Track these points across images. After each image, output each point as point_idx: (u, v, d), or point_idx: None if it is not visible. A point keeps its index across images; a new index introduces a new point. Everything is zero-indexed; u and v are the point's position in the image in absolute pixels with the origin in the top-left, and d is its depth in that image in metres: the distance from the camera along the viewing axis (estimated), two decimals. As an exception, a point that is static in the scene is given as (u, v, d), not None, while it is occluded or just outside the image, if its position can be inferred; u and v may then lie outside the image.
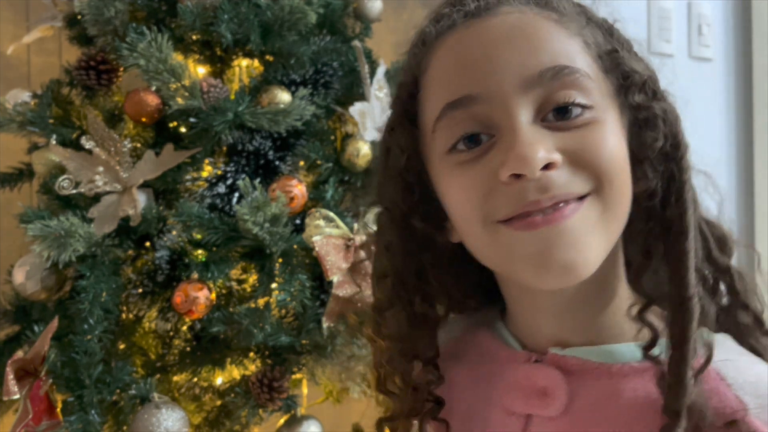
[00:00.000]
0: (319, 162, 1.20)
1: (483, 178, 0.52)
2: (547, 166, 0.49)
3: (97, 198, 1.13)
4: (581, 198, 0.51)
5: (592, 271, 0.51)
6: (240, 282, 1.17)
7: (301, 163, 1.21)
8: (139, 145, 1.17)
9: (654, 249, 0.57)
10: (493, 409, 0.61)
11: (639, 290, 0.58)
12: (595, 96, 0.52)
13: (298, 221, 1.15)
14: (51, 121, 1.19)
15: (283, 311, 1.12)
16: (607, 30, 0.58)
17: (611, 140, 0.52)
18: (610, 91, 0.55)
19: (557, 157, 0.50)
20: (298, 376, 1.14)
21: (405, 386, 0.63)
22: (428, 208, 0.60)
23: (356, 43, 1.26)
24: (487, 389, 0.62)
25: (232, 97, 1.16)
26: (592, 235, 0.51)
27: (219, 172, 1.17)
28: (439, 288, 0.65)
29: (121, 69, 1.20)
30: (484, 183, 0.52)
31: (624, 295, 0.58)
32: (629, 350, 0.56)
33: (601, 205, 0.51)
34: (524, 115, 0.51)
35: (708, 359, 0.51)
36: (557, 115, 0.51)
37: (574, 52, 0.53)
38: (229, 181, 1.16)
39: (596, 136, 0.51)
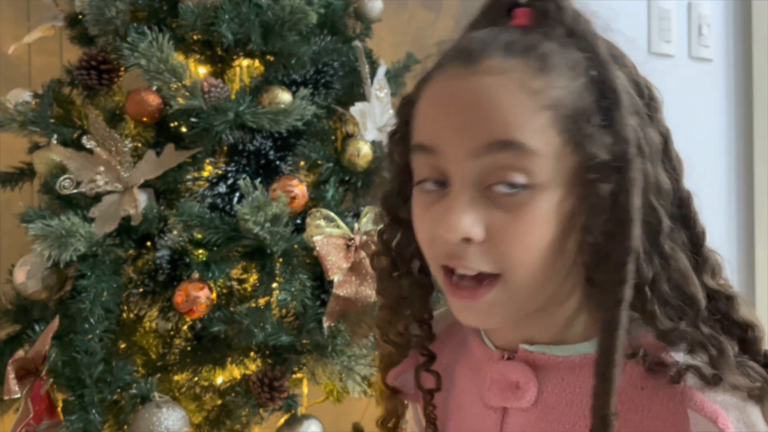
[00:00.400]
0: (319, 162, 1.20)
1: (431, 226, 0.58)
2: (469, 239, 0.55)
3: (98, 198, 1.13)
4: (497, 275, 0.57)
5: (503, 324, 0.61)
6: (241, 282, 1.17)
7: (302, 163, 1.21)
8: (140, 144, 1.17)
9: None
10: (473, 402, 0.67)
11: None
12: (543, 175, 0.55)
13: (298, 221, 1.16)
14: (52, 120, 1.20)
15: (284, 311, 1.12)
16: (603, 92, 0.57)
17: (536, 228, 0.55)
18: (568, 167, 0.56)
19: (476, 233, 0.55)
20: (298, 375, 1.14)
21: (402, 338, 0.70)
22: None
23: (357, 43, 1.26)
24: (467, 382, 0.68)
25: (233, 97, 1.16)
26: (499, 311, 0.58)
27: (220, 172, 1.18)
28: None
29: (122, 69, 1.20)
30: (431, 230, 0.59)
31: (580, 311, 0.62)
32: (588, 347, 0.61)
33: (509, 289, 0.57)
34: (469, 180, 0.56)
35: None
36: (503, 187, 0.55)
37: (533, 127, 0.54)
38: (229, 181, 1.16)
39: (522, 222, 0.55)
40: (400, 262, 0.68)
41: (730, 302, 0.61)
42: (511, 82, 0.55)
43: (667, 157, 0.61)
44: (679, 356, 0.58)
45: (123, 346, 1.13)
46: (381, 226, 0.69)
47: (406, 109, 0.64)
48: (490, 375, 0.65)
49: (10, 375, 1.01)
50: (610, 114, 0.56)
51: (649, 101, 0.60)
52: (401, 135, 0.65)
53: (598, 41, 0.58)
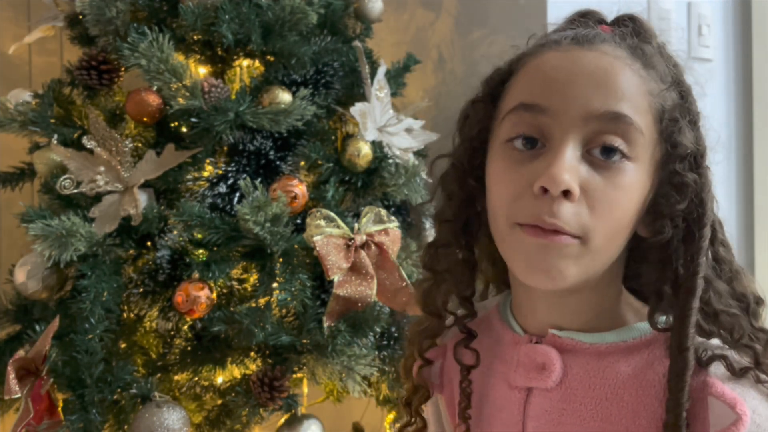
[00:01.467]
0: (319, 162, 1.20)
1: (520, 183, 0.61)
2: (567, 193, 0.58)
3: (98, 197, 1.13)
4: (575, 237, 0.60)
5: (567, 285, 0.62)
6: (241, 281, 1.17)
7: (302, 163, 1.21)
8: (140, 144, 1.17)
9: (664, 293, 0.64)
10: (498, 383, 0.71)
11: (652, 324, 0.64)
12: (639, 151, 0.60)
13: (298, 221, 1.16)
14: (52, 120, 1.20)
15: (284, 311, 1.12)
16: (684, 97, 0.65)
17: (626, 197, 0.60)
18: (655, 152, 0.62)
19: (576, 188, 0.58)
20: (298, 375, 1.14)
21: (441, 309, 0.74)
22: (481, 174, 0.69)
23: (357, 43, 1.26)
24: (494, 366, 0.72)
25: (233, 97, 1.16)
26: (571, 263, 0.61)
27: (220, 172, 1.18)
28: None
29: (123, 69, 1.20)
30: (519, 187, 0.61)
31: (614, 301, 0.68)
32: (615, 336, 0.65)
33: (583, 251, 0.60)
34: (574, 140, 0.59)
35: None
36: (601, 152, 0.60)
37: (639, 108, 0.60)
38: (230, 181, 1.16)
39: (614, 187, 0.59)
40: (459, 234, 0.71)
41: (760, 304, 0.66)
42: (625, 65, 0.61)
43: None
44: (714, 341, 0.62)
45: (123, 345, 1.13)
46: (439, 202, 0.73)
47: (498, 78, 0.68)
48: (517, 357, 0.68)
49: (11, 375, 1.01)
50: (693, 119, 0.64)
51: (696, 115, 0.66)
52: (485, 103, 0.69)
53: (678, 63, 0.66)
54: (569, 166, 0.58)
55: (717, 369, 0.60)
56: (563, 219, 0.59)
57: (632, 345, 0.64)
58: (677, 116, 0.62)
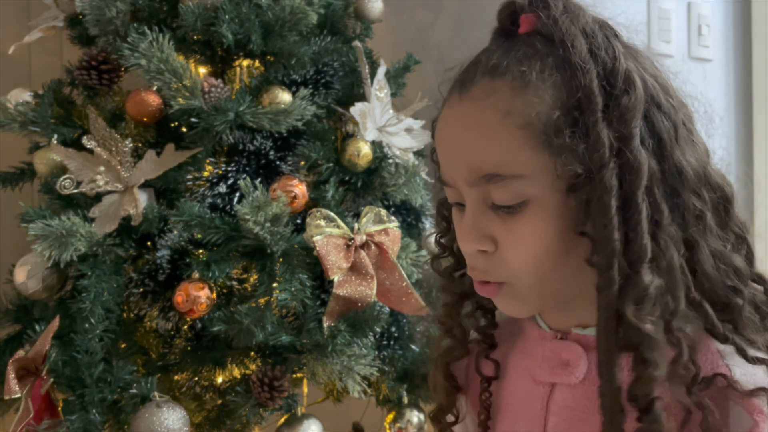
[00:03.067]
0: (319, 162, 1.20)
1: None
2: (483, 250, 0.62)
3: (98, 197, 1.13)
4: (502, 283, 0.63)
5: (536, 312, 0.68)
6: (241, 281, 1.17)
7: (302, 163, 1.21)
8: (140, 144, 1.17)
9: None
10: (523, 378, 0.71)
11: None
12: (530, 192, 0.59)
13: (298, 221, 1.16)
14: (52, 120, 1.20)
15: (284, 310, 1.12)
16: (574, 94, 0.59)
17: (538, 233, 0.60)
18: (557, 170, 0.58)
19: (486, 247, 0.62)
20: (298, 375, 1.14)
21: (463, 333, 0.75)
22: None
23: (357, 43, 1.26)
24: (519, 362, 0.73)
25: (233, 97, 1.16)
26: (522, 303, 0.65)
27: (220, 172, 1.18)
28: None
29: (123, 69, 1.20)
30: None
31: None
32: None
33: (518, 291, 0.63)
34: (476, 202, 0.62)
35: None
36: (500, 206, 0.61)
37: (513, 154, 0.59)
38: (230, 181, 1.16)
39: (520, 234, 0.60)
40: (462, 261, 0.72)
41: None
42: (490, 108, 0.59)
43: (690, 141, 0.63)
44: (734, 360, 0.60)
45: (123, 345, 1.13)
46: (439, 230, 0.76)
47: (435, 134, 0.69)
48: (542, 352, 0.69)
49: (11, 375, 1.01)
50: (584, 119, 0.58)
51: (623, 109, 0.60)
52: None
53: (576, 40, 0.60)
54: (473, 230, 0.62)
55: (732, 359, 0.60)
56: (484, 272, 0.63)
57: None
58: (559, 134, 0.58)
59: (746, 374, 0.59)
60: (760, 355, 0.60)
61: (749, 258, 0.66)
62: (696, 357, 0.58)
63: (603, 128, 0.57)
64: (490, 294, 0.64)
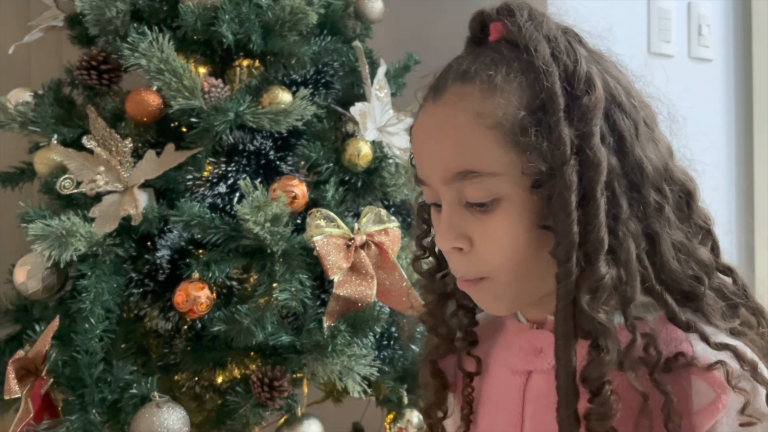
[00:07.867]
0: (319, 162, 1.20)
1: None
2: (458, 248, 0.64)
3: (98, 197, 1.13)
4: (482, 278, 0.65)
5: (514, 310, 0.70)
6: (241, 281, 1.17)
7: (302, 163, 1.21)
8: (140, 144, 1.17)
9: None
10: (502, 370, 0.73)
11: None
12: (502, 190, 0.62)
13: (298, 221, 1.16)
14: (52, 120, 1.20)
15: (284, 311, 1.12)
16: (537, 96, 0.62)
17: (510, 231, 0.62)
18: (525, 169, 0.61)
19: (462, 245, 0.64)
20: (298, 375, 1.14)
21: (449, 330, 0.76)
22: None
23: (357, 43, 1.26)
24: (499, 355, 0.75)
25: (233, 97, 1.16)
26: (501, 298, 0.66)
27: (220, 172, 1.18)
28: None
29: (123, 69, 1.20)
30: None
31: None
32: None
33: (497, 287, 0.65)
34: (450, 201, 0.64)
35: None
36: (474, 203, 0.63)
37: (484, 152, 0.61)
38: (230, 181, 1.16)
39: (493, 231, 0.63)
40: (443, 262, 0.73)
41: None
42: (462, 111, 0.62)
43: (651, 139, 0.65)
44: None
45: (123, 346, 1.13)
46: (419, 232, 0.77)
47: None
48: (519, 343, 0.72)
49: (11, 375, 1.01)
50: (547, 118, 0.61)
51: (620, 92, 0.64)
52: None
53: (539, 45, 0.63)
54: (449, 228, 0.64)
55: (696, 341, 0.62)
56: (462, 269, 0.66)
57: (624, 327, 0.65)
58: (525, 133, 0.60)
59: (706, 349, 0.61)
60: (723, 341, 0.62)
61: (714, 250, 0.68)
62: (657, 344, 0.60)
63: (564, 127, 0.60)
64: (470, 287, 0.66)
